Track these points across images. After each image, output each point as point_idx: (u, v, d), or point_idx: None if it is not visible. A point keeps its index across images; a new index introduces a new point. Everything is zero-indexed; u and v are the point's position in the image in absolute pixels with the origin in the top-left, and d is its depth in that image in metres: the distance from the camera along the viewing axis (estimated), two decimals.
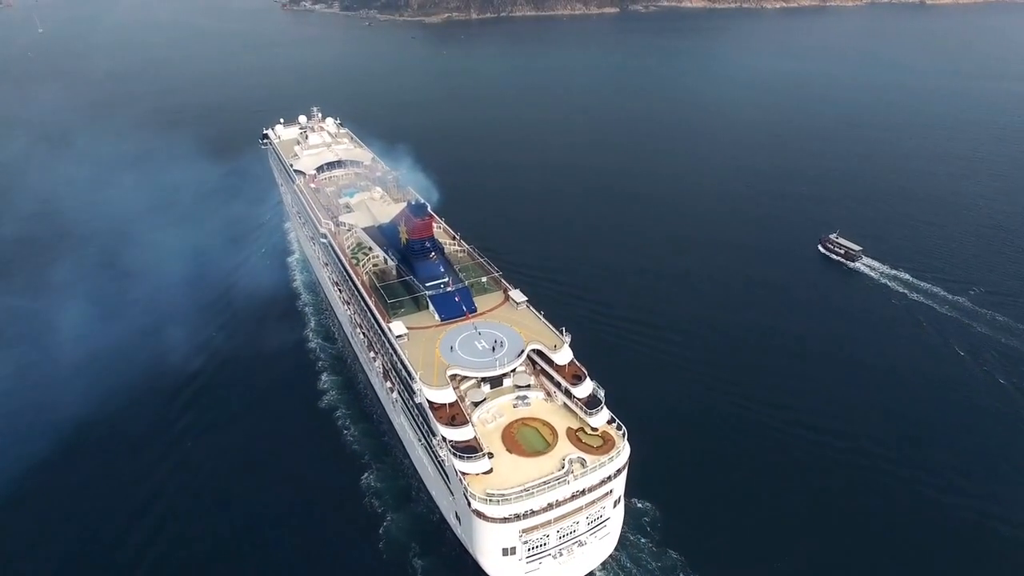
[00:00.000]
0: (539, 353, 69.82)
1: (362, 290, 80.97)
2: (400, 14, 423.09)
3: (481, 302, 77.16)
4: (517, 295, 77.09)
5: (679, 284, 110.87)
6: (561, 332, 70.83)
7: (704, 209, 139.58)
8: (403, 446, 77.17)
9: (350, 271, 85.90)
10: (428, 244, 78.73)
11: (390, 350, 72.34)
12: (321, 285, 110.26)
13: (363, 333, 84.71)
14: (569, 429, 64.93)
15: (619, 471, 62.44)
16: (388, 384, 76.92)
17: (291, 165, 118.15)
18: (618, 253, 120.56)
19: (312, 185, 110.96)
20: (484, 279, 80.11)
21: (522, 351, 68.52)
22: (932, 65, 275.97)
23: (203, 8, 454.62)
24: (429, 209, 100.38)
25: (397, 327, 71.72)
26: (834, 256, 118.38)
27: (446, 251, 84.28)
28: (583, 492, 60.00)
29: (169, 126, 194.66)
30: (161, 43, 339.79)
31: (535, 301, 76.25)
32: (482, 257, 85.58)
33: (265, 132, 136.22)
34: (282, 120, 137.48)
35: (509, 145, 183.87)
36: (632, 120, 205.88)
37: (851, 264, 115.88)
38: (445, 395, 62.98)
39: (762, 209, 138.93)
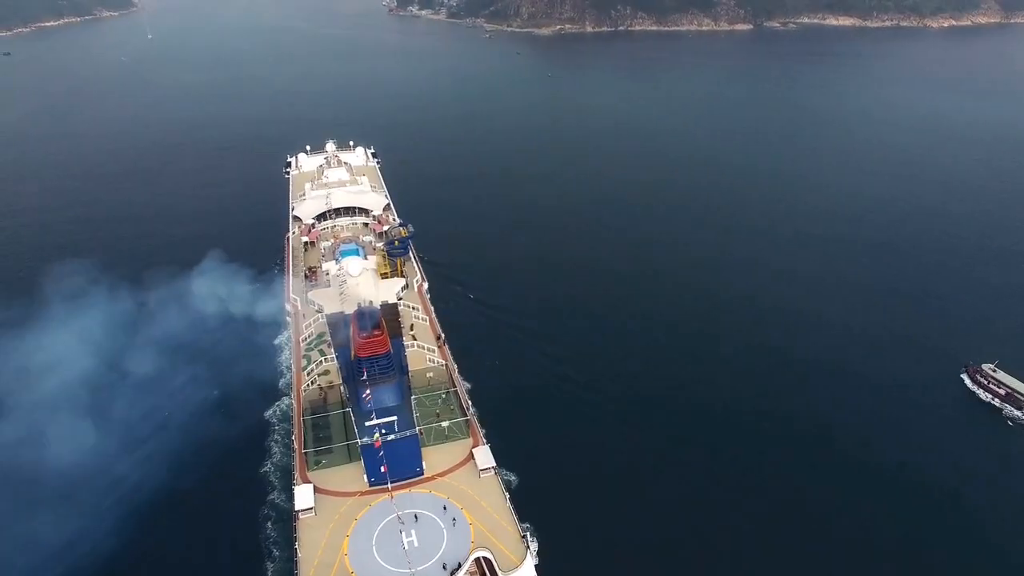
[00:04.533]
0: (488, 562, 47.84)
1: (294, 414, 62.31)
2: (508, 24, 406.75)
3: (435, 456, 56.32)
4: (484, 456, 55.59)
5: (739, 404, 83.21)
6: (526, 538, 48.49)
7: (809, 300, 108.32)
8: None
9: (294, 376, 67.57)
10: (377, 368, 58.52)
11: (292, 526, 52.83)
12: None
13: None
14: None
15: None
16: None
17: (292, 208, 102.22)
18: (676, 350, 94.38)
19: (305, 238, 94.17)
20: (446, 424, 58.79)
21: (459, 566, 46.67)
22: None
23: (308, 11, 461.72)
24: (419, 287, 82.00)
25: (303, 495, 52.18)
26: (987, 396, 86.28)
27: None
28: None
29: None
30: (257, 48, 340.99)
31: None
32: (458, 384, 64.47)
33: (289, 160, 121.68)
34: (308, 147, 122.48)
35: (585, 187, 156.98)
36: (751, 170, 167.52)
37: (1014, 413, 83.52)
38: None
39: (888, 305, 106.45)
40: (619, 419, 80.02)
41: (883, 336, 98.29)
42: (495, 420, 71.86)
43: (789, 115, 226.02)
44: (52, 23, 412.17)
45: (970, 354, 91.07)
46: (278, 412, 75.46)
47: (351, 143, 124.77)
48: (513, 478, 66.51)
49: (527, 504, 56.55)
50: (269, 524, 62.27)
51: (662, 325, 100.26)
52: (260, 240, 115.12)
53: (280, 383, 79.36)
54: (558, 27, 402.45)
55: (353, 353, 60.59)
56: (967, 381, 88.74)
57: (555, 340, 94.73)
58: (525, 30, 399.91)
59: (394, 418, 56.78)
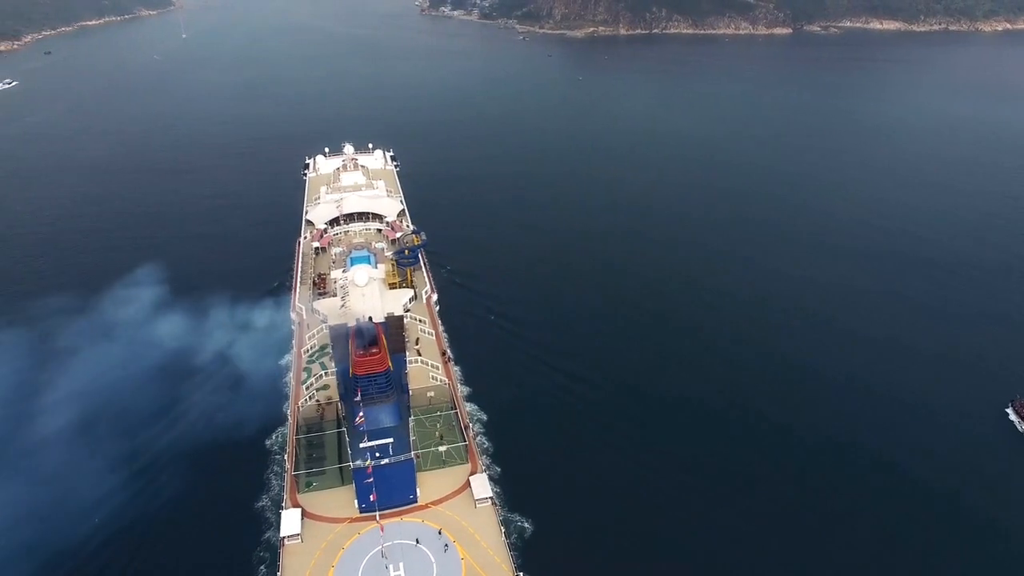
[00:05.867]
0: None
1: (288, 431, 60.19)
2: (540, 26, 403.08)
3: (431, 482, 53.64)
4: (481, 485, 52.78)
5: (774, 424, 77.75)
6: None
7: (849, 315, 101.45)
8: None
9: (292, 390, 65.54)
10: (374, 387, 55.85)
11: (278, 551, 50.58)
12: None
13: None
14: None
15: None
16: None
17: (306, 212, 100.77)
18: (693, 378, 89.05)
19: (316, 243, 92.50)
20: (443, 449, 56.00)
21: None
22: None
23: (341, 11, 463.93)
24: (428, 299, 79.49)
25: (289, 520, 49.92)
26: None
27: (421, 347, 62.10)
28: None
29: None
30: (286, 48, 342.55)
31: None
32: (460, 405, 61.67)
33: (307, 161, 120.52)
34: (327, 149, 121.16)
35: (616, 195, 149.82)
36: (791, 180, 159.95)
37: None
38: None
39: (934, 325, 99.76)
40: (652, 457, 72.25)
41: (926, 358, 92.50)
42: (502, 448, 68.06)
43: (832, 123, 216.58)
44: (94, 22, 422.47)
45: (1014, 388, 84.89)
46: (279, 439, 68.83)
47: (370, 145, 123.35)
48: (528, 525, 60.58)
49: (530, 544, 53.54)
50: (263, 568, 56.68)
51: (700, 342, 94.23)
52: (276, 246, 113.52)
53: (284, 407, 73.05)
54: (591, 29, 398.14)
55: (350, 370, 58.11)
56: (1013, 417, 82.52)
57: (576, 357, 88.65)
58: (557, 32, 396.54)
59: (390, 440, 53.95)
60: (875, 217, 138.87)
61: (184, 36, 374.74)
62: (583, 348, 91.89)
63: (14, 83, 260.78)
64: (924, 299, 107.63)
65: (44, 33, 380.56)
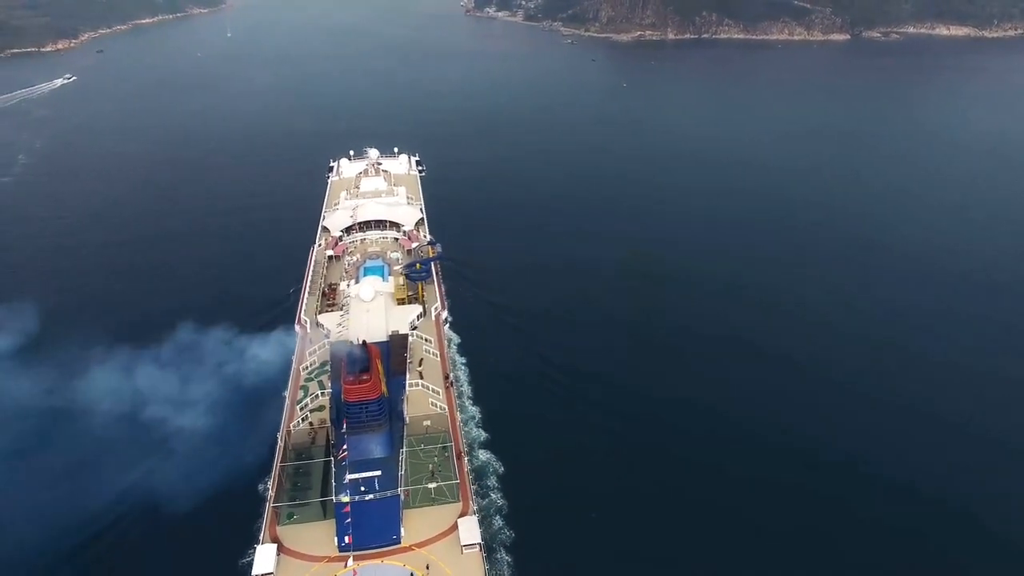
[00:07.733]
0: None
1: (278, 454, 57.19)
2: (586, 28, 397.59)
3: (418, 520, 49.91)
4: (469, 528, 48.91)
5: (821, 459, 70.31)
6: None
7: (905, 334, 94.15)
8: None
9: (286, 410, 62.64)
10: (365, 414, 52.54)
11: None
12: None
13: None
14: None
15: None
16: None
17: (323, 218, 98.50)
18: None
19: (331, 251, 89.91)
20: (433, 486, 52.16)
21: None
22: None
23: (387, 11, 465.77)
24: (437, 316, 75.63)
25: (263, 557, 46.82)
26: None
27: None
28: None
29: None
30: (329, 48, 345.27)
31: None
32: (458, 437, 57.71)
33: (331, 164, 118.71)
34: (352, 152, 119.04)
35: (660, 214, 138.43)
36: (848, 195, 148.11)
37: None
38: None
39: (998, 349, 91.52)
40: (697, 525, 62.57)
41: (985, 380, 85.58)
42: (520, 514, 60.40)
43: (904, 137, 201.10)
44: (148, 20, 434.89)
45: None
46: None
47: (395, 149, 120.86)
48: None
49: None
50: None
51: (784, 391, 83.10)
52: (298, 252, 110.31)
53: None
54: (638, 33, 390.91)
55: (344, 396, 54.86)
56: None
57: (628, 405, 77.65)
58: (603, 35, 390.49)
59: (377, 473, 50.69)
60: (944, 236, 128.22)
61: (229, 35, 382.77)
62: (638, 394, 79.29)
63: (73, 78, 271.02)
64: (989, 321, 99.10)
65: (100, 32, 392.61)
